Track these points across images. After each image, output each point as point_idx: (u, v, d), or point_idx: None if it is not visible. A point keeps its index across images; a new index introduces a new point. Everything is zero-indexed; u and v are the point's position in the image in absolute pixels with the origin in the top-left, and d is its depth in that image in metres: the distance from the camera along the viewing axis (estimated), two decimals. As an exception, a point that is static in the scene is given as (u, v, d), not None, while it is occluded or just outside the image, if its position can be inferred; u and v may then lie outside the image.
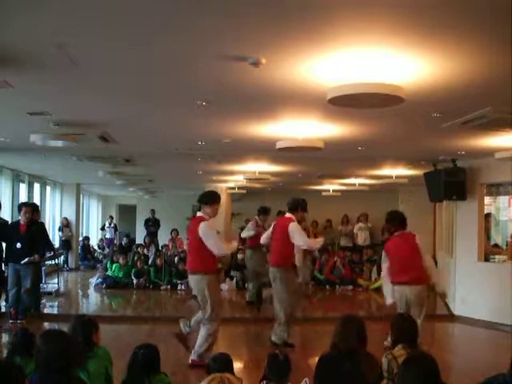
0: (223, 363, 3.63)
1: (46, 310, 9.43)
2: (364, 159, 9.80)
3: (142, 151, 9.18)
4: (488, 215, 10.13)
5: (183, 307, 10.61)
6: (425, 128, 6.75)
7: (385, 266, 6.50)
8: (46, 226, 10.82)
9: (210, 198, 6.38)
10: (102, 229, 20.63)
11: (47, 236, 9.53)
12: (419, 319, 5.73)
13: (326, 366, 3.49)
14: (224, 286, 11.54)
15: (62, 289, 11.86)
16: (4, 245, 8.71)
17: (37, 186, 14.25)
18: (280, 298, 6.96)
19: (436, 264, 12.42)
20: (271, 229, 7.32)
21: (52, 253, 11.45)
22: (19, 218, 8.73)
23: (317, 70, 4.20)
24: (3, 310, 8.86)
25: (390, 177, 11.54)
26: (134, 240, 18.57)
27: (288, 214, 7.10)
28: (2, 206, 10.16)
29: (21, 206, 8.94)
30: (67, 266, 15.69)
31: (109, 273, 12.75)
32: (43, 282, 10.69)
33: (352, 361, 3.37)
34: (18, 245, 8.41)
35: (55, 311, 9.77)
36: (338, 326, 3.64)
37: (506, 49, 3.63)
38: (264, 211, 10.49)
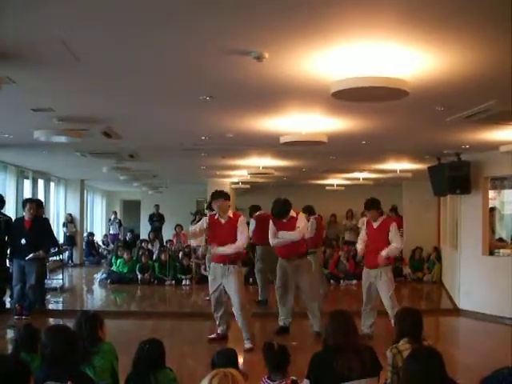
0: (227, 358, 3.62)
1: (50, 306, 9.47)
2: (368, 153, 9.78)
3: (145, 146, 9.18)
4: (492, 209, 10.11)
5: (188, 302, 10.65)
6: (429, 122, 6.73)
7: None
8: (51, 222, 10.85)
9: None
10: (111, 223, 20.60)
11: (51, 232, 9.56)
12: None
13: (317, 363, 3.48)
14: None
15: (66, 284, 11.92)
16: (8, 241, 8.74)
17: (41, 182, 14.27)
18: None
19: (440, 258, 12.52)
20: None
21: (56, 249, 11.49)
22: (23, 214, 8.77)
23: (320, 63, 4.18)
24: (8, 306, 8.91)
25: (394, 171, 11.52)
26: (138, 235, 18.58)
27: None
28: (7, 203, 10.19)
29: (25, 202, 8.98)
30: (72, 261, 15.76)
31: (113, 268, 12.77)
32: (47, 277, 10.72)
33: (342, 356, 3.35)
34: (23, 241, 8.44)
35: (60, 307, 9.81)
36: (326, 323, 3.61)
37: (511, 42, 3.60)
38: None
